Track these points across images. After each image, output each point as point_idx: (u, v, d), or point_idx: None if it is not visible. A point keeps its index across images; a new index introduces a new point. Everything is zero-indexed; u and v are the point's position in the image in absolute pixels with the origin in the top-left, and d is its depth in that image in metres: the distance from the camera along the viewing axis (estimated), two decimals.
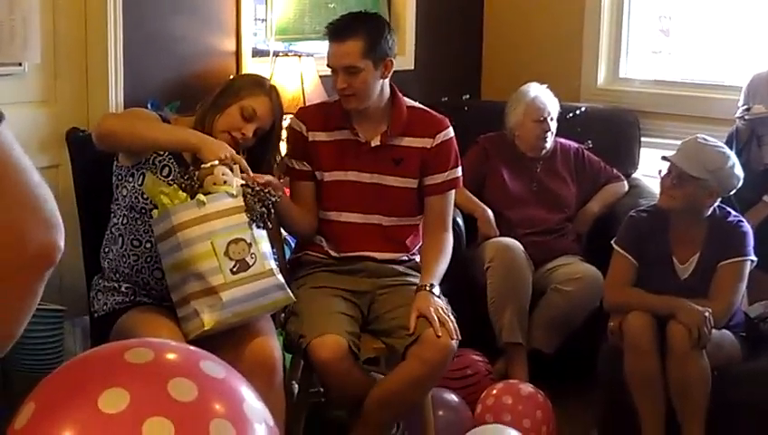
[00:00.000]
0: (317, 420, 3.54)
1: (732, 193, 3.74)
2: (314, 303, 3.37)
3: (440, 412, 3.66)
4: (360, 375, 3.35)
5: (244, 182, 3.07)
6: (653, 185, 4.54)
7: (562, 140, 4.69)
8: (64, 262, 3.94)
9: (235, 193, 3.02)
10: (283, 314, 3.45)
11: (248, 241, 3.01)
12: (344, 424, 3.48)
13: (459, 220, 4.35)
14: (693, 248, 3.73)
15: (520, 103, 4.62)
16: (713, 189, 3.66)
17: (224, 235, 2.98)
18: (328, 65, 3.47)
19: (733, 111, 4.46)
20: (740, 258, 3.67)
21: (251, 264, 3.01)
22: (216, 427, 1.46)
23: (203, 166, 3.05)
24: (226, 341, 3.00)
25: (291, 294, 3.15)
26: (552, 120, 4.58)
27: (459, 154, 3.64)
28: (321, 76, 4.34)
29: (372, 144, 3.50)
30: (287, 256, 3.74)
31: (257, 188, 3.07)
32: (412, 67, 5.18)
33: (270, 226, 3.12)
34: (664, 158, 3.73)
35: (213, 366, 1.56)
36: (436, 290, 3.39)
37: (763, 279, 3.94)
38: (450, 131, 3.58)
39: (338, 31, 3.44)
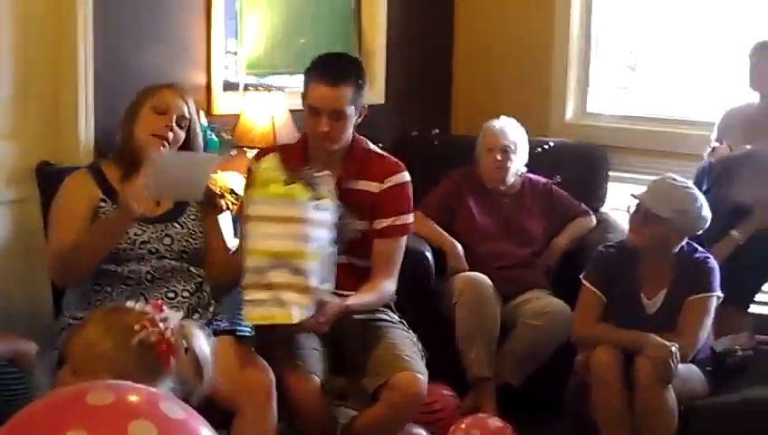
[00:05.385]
0: None
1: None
2: (286, 338, 3.36)
3: None
4: (329, 412, 3.36)
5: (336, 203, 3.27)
6: (621, 219, 4.59)
7: (531, 176, 4.72)
8: (34, 299, 3.91)
9: (331, 208, 3.24)
10: (253, 348, 3.45)
11: (335, 259, 3.24)
12: None
13: (428, 254, 4.37)
14: (660, 284, 3.75)
15: (480, 135, 4.68)
16: (679, 230, 3.69)
17: (325, 245, 3.19)
18: (311, 105, 3.40)
19: (700, 147, 4.51)
20: (707, 294, 3.70)
21: (329, 280, 3.22)
22: None
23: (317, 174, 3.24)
24: (225, 366, 3.04)
25: None
26: (509, 151, 4.60)
27: (425, 192, 3.63)
28: (291, 111, 4.36)
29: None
30: None
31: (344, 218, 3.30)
32: (383, 101, 5.21)
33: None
34: (633, 195, 3.76)
35: (173, 407, 1.58)
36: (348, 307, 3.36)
37: (729, 313, 3.98)
38: (403, 176, 3.52)
39: (333, 74, 3.38)
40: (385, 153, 3.63)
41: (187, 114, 3.31)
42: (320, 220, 3.19)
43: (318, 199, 3.19)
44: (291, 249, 3.12)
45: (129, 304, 2.10)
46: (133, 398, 1.58)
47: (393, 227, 3.50)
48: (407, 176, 3.54)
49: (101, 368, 1.92)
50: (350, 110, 3.40)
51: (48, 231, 3.33)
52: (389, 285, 3.51)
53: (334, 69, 3.42)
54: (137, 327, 2.00)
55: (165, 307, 2.09)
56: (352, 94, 3.39)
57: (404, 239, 3.55)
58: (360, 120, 3.48)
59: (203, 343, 2.09)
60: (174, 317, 2.06)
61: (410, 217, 3.56)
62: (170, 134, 3.25)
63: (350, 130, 3.46)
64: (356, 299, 3.37)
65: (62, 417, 1.52)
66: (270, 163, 3.27)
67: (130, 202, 3.00)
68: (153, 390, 1.67)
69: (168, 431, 1.51)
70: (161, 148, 3.23)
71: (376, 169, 3.52)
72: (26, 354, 2.94)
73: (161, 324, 2.02)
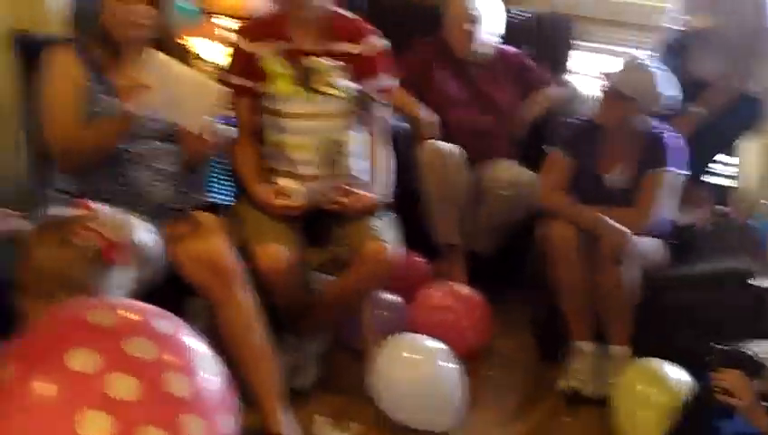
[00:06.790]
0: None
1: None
2: (260, 211, 3.46)
3: (379, 311, 3.78)
4: (300, 283, 3.47)
5: (352, 86, 3.46)
6: (586, 91, 4.66)
7: (504, 47, 4.71)
8: (9, 177, 3.84)
9: (344, 96, 3.48)
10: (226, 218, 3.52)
11: (342, 142, 3.49)
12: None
13: (401, 123, 4.39)
14: (622, 159, 3.84)
15: (449, 2, 4.66)
16: (646, 108, 3.78)
17: (324, 133, 3.47)
18: None
19: (668, 20, 4.54)
20: (663, 168, 3.80)
21: (337, 162, 3.48)
22: (171, 378, 1.64)
23: (319, 61, 3.45)
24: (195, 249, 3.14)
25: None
26: (477, 20, 4.57)
27: (395, 60, 3.71)
28: None
29: (308, 51, 3.55)
30: None
31: (363, 92, 3.48)
32: None
33: (366, 130, 3.58)
34: (603, 74, 3.83)
35: (165, 324, 1.74)
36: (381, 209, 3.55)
37: (693, 188, 4.09)
38: (379, 40, 3.64)
39: None
40: (359, 18, 3.70)
41: None
42: (320, 111, 3.46)
43: (326, 88, 3.46)
44: (285, 141, 3.48)
45: (61, 211, 2.15)
46: (129, 316, 1.73)
47: (380, 89, 3.63)
48: (383, 40, 3.66)
49: (56, 286, 1.99)
50: None
51: (44, 114, 3.27)
52: (389, 149, 3.72)
53: None
54: (72, 237, 2.04)
55: (91, 204, 2.13)
56: None
57: (390, 104, 3.74)
58: None
59: (142, 232, 2.16)
60: (105, 213, 2.10)
61: (391, 81, 3.70)
62: (139, 18, 3.21)
63: None
64: (377, 188, 3.58)
65: (63, 336, 1.64)
66: (273, 58, 3.49)
67: (131, 109, 3.09)
68: (149, 308, 1.78)
69: (162, 345, 1.65)
70: (135, 32, 3.21)
71: (354, 31, 3.62)
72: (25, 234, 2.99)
73: (93, 225, 2.07)
